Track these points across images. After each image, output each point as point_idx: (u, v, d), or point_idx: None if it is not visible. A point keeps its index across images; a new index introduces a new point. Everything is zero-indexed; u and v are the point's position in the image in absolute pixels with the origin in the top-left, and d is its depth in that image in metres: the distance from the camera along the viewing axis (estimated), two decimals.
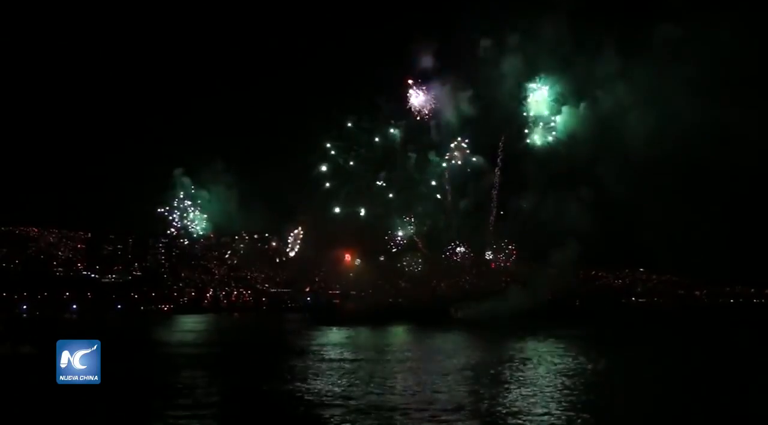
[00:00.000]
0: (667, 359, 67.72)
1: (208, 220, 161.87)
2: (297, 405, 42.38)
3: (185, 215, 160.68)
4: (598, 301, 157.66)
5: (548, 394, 45.34)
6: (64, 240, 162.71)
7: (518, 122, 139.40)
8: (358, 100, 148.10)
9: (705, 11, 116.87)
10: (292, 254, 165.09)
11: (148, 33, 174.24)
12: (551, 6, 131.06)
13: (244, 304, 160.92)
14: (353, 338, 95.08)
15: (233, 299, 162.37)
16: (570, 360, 63.58)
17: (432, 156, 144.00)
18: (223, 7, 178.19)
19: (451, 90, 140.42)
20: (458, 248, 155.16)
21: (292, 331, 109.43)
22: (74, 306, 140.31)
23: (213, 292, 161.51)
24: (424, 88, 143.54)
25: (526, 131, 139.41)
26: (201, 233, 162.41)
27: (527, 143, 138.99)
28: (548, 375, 54.21)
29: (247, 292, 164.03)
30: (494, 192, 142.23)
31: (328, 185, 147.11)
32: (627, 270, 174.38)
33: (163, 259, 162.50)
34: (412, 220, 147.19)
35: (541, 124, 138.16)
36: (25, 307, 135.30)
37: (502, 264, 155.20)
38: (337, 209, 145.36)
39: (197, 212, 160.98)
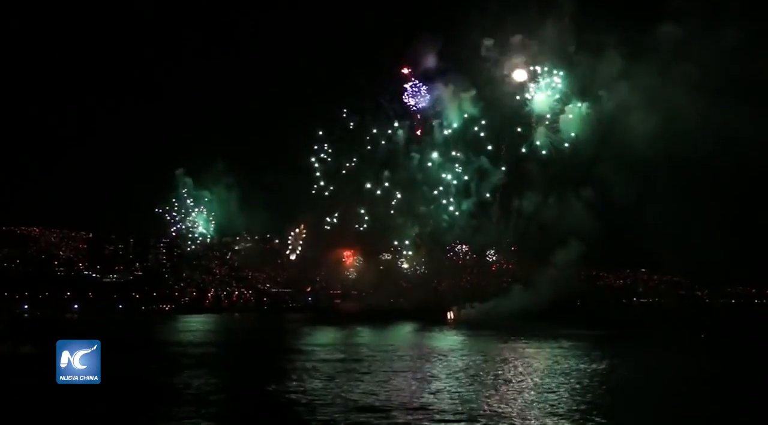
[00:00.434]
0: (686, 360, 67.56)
1: (209, 220, 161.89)
2: (293, 407, 42.32)
3: (186, 215, 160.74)
4: (599, 301, 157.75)
5: (547, 397, 45.26)
6: (65, 240, 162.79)
7: (521, 122, 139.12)
8: (362, 101, 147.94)
9: (707, 10, 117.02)
10: (293, 254, 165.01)
11: (149, 33, 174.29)
12: (555, 5, 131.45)
13: (246, 304, 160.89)
14: (352, 338, 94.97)
15: (234, 299, 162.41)
16: (576, 361, 63.40)
17: (435, 156, 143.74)
18: (225, 6, 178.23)
19: (453, 90, 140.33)
20: (459, 248, 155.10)
21: (292, 331, 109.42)
22: (75, 306, 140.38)
23: (214, 292, 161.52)
24: (421, 84, 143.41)
25: (530, 131, 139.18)
26: (202, 233, 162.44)
27: (530, 144, 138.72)
28: (551, 376, 54.11)
29: (248, 292, 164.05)
30: (497, 193, 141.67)
31: (330, 185, 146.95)
32: (628, 270, 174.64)
33: (164, 259, 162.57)
34: (415, 220, 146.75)
35: (545, 123, 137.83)
36: (26, 307, 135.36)
37: (504, 265, 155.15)
38: (338, 210, 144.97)
39: (198, 213, 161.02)
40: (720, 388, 50.04)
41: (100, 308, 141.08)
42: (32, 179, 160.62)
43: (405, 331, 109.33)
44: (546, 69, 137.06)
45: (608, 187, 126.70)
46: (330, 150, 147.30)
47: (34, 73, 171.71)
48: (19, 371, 56.12)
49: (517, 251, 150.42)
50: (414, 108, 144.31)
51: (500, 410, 40.33)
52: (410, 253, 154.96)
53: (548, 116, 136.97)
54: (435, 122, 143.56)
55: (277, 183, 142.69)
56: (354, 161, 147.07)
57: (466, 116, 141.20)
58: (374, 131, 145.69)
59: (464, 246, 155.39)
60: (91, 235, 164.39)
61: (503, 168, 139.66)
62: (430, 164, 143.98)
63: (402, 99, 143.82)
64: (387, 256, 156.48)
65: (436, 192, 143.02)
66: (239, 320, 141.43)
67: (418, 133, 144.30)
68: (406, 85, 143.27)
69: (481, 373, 55.67)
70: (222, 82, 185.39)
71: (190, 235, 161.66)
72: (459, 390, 47.54)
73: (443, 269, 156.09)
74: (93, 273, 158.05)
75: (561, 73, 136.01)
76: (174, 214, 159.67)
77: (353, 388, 48.31)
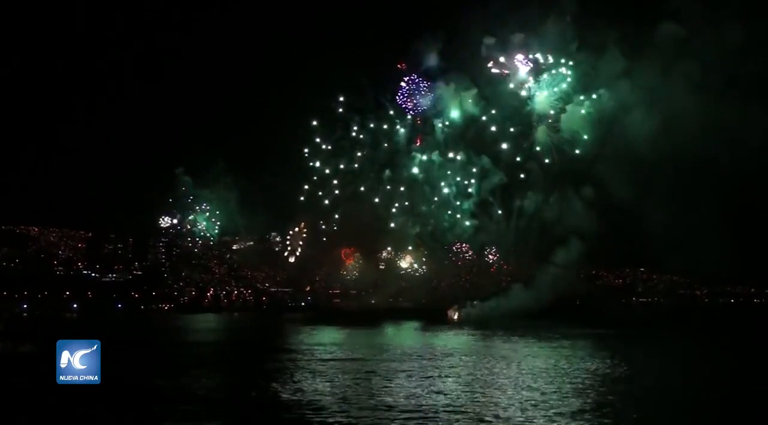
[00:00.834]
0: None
1: (208, 219, 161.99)
2: (289, 407, 42.23)
3: (186, 214, 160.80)
4: (599, 300, 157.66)
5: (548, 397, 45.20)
6: (64, 239, 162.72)
7: (522, 121, 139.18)
8: (363, 100, 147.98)
9: (709, 10, 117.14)
10: (292, 256, 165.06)
11: (149, 32, 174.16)
12: (556, 4, 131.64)
13: (245, 303, 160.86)
14: (351, 338, 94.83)
15: (233, 298, 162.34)
16: (579, 361, 63.30)
17: (435, 156, 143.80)
18: (226, 5, 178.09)
19: (454, 89, 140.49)
20: (459, 248, 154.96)
21: (291, 330, 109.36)
22: (75, 305, 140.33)
23: (213, 291, 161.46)
24: (420, 80, 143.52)
25: (531, 130, 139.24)
26: (202, 232, 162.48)
27: (531, 143, 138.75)
28: (555, 376, 54.01)
29: (247, 291, 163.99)
30: (498, 192, 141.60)
31: (330, 184, 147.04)
32: (628, 270, 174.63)
33: (163, 258, 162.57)
34: (415, 220, 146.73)
35: (546, 122, 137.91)
36: (25, 306, 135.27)
37: (504, 266, 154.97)
38: (338, 209, 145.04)
39: (198, 212, 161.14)
40: (723, 388, 50.02)
41: (99, 307, 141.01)
42: (31, 178, 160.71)
43: (405, 330, 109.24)
44: (547, 68, 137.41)
45: (608, 186, 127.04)
46: (330, 149, 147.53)
47: (34, 73, 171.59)
48: (19, 370, 56.09)
49: (518, 250, 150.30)
50: (414, 108, 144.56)
51: (505, 411, 40.14)
52: (410, 253, 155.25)
53: (550, 114, 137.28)
54: (436, 121, 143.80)
55: (276, 183, 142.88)
56: (355, 161, 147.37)
57: (467, 115, 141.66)
58: (375, 130, 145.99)
59: (464, 246, 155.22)
60: (90, 234, 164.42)
61: (504, 167, 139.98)
62: (431, 162, 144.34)
63: (403, 98, 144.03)
64: (387, 255, 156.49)
65: (436, 193, 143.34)
66: (238, 319, 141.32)
67: (418, 143, 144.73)
68: (403, 84, 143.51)
69: (484, 373, 55.50)
70: (222, 81, 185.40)
71: (189, 234, 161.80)
72: (462, 390, 47.34)
73: (443, 268, 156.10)
74: (92, 273, 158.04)
75: (562, 72, 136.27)
76: (174, 213, 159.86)
77: (355, 389, 48.25)
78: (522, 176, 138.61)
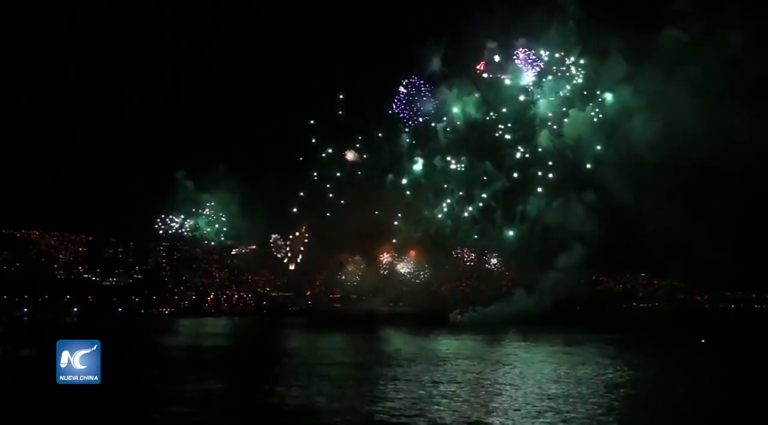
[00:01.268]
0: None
1: (209, 223, 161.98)
2: (295, 412, 42.16)
3: (187, 218, 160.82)
4: (601, 305, 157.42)
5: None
6: (65, 243, 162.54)
7: (525, 125, 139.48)
8: (365, 104, 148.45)
9: (711, 15, 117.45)
10: (292, 263, 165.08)
11: (149, 35, 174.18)
12: (559, 9, 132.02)
13: (245, 308, 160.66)
14: (352, 342, 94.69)
15: (234, 302, 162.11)
16: (584, 367, 63.04)
17: (437, 161, 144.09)
18: (227, 9, 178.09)
19: (457, 93, 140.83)
20: (460, 252, 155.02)
21: (292, 335, 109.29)
22: (75, 309, 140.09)
23: (214, 296, 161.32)
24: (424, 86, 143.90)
25: (533, 134, 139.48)
26: (202, 236, 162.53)
27: (534, 147, 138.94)
28: (561, 382, 53.85)
29: (247, 296, 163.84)
30: (500, 197, 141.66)
31: (332, 189, 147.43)
32: (628, 275, 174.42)
33: (164, 262, 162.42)
34: (417, 224, 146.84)
35: (549, 126, 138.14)
36: (25, 310, 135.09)
37: (505, 272, 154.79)
38: (340, 213, 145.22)
39: (199, 216, 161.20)
40: (728, 393, 49.94)
41: (99, 311, 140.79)
42: (32, 182, 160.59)
43: (406, 335, 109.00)
44: (550, 73, 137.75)
45: (609, 191, 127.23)
46: (332, 153, 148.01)
47: (34, 76, 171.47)
48: (19, 373, 56.07)
49: (519, 255, 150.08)
50: (415, 114, 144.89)
51: (513, 418, 39.95)
52: (411, 257, 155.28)
53: (552, 119, 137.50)
54: (438, 126, 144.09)
55: (278, 187, 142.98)
56: (357, 165, 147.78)
57: (469, 119, 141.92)
58: (378, 134, 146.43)
59: (466, 251, 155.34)
60: (90, 238, 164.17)
61: (506, 172, 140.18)
62: (433, 166, 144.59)
63: (406, 103, 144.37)
64: (387, 260, 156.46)
65: (438, 197, 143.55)
66: (239, 323, 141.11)
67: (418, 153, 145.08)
68: (407, 89, 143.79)
69: (488, 379, 55.22)
70: (223, 84, 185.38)
71: (190, 238, 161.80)
72: (466, 397, 46.96)
73: (444, 273, 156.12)
74: (93, 276, 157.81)
75: (565, 76, 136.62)
76: (174, 217, 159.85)
77: (358, 394, 48.17)
78: (524, 180, 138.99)
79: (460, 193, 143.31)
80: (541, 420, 39.26)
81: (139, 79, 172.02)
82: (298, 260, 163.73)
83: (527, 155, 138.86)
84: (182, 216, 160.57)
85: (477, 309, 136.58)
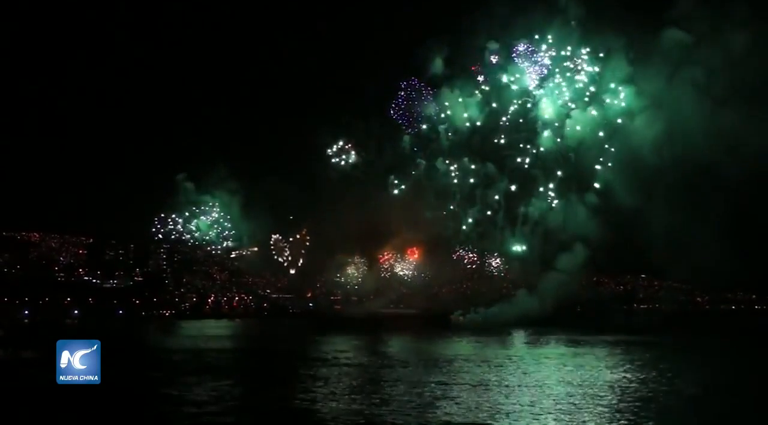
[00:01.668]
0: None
1: (210, 225, 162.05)
2: (281, 415, 42.07)
3: (187, 220, 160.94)
4: (601, 307, 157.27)
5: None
6: (65, 246, 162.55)
7: (527, 127, 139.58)
8: (368, 106, 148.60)
9: (714, 17, 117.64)
10: (294, 264, 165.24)
11: (150, 36, 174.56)
12: (561, 11, 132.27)
13: (246, 310, 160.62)
14: (353, 344, 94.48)
15: (235, 305, 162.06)
16: (590, 369, 62.83)
17: (440, 163, 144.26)
18: (229, 10, 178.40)
19: (459, 95, 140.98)
20: (461, 253, 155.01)
21: (293, 337, 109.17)
22: (76, 312, 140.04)
23: (214, 298, 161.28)
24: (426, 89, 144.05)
25: (536, 136, 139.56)
26: (203, 238, 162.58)
27: (537, 149, 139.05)
28: (570, 385, 53.65)
29: (248, 298, 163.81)
30: (502, 198, 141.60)
31: (334, 190, 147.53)
32: (629, 276, 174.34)
33: (164, 264, 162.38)
34: (419, 226, 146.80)
35: (551, 128, 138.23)
36: (26, 312, 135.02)
37: (505, 275, 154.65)
38: (341, 215, 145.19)
39: (199, 218, 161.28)
40: (737, 396, 49.85)
41: (100, 313, 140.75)
42: (33, 184, 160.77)
43: (408, 337, 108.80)
44: (553, 74, 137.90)
45: (611, 193, 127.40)
46: (334, 155, 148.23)
47: (35, 79, 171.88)
48: (19, 374, 56.03)
49: (521, 257, 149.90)
50: (416, 117, 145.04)
51: (520, 420, 39.76)
52: (412, 259, 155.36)
53: (555, 120, 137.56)
54: (441, 128, 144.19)
55: (279, 189, 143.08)
56: (359, 167, 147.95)
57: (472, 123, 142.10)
58: (380, 135, 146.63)
59: (467, 252, 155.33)
60: (91, 240, 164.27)
61: (509, 174, 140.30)
62: (435, 168, 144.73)
63: (407, 105, 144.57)
64: (389, 262, 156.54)
65: (440, 199, 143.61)
66: (240, 326, 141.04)
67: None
68: (409, 91, 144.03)
69: (492, 381, 54.94)
70: (225, 86, 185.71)
71: (191, 240, 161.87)
72: (471, 399, 46.66)
73: (445, 275, 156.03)
74: (93, 279, 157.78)
75: (567, 77, 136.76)
76: (175, 219, 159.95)
77: (362, 396, 48.09)
78: (526, 182, 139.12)
79: (462, 195, 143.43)
80: (548, 421, 39.16)
81: (140, 82, 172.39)
82: (299, 263, 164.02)
83: (529, 157, 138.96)
84: (183, 218, 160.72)
85: (479, 311, 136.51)
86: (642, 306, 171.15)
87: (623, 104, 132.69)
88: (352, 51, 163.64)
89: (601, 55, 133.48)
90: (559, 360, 69.89)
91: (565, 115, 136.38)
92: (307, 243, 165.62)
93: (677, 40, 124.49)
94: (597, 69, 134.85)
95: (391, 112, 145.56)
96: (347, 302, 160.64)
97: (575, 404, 43.90)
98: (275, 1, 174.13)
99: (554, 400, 45.44)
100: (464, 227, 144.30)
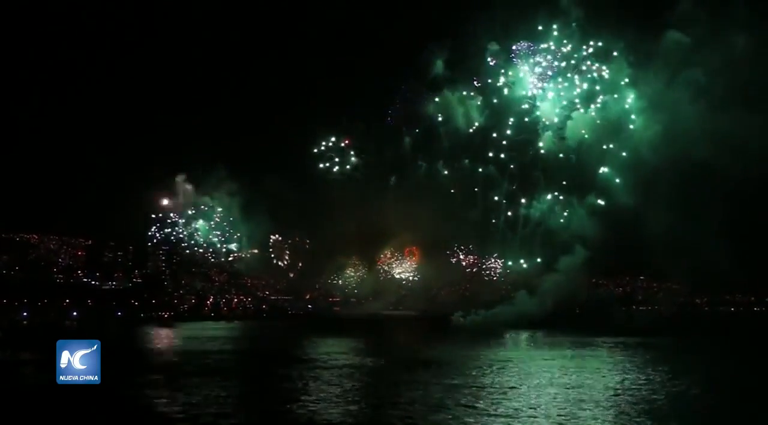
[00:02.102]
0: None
1: (209, 227, 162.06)
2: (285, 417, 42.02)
3: (187, 222, 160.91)
4: (600, 308, 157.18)
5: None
6: (64, 247, 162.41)
7: (528, 128, 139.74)
8: (368, 107, 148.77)
9: (714, 19, 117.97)
10: (293, 261, 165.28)
11: (150, 38, 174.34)
12: (561, 12, 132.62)
13: (245, 311, 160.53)
14: (353, 346, 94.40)
15: (234, 306, 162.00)
16: (594, 372, 62.73)
17: (440, 165, 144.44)
18: (230, 12, 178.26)
19: (460, 97, 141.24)
20: (460, 255, 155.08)
21: (294, 339, 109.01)
22: (74, 313, 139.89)
23: (213, 299, 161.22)
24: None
25: (536, 137, 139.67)
26: (202, 240, 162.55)
27: (536, 150, 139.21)
28: (577, 388, 53.52)
29: (247, 299, 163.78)
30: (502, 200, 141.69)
31: (333, 192, 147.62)
32: (627, 278, 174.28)
33: (163, 266, 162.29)
34: (418, 227, 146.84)
35: (552, 129, 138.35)
36: (25, 314, 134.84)
37: (506, 275, 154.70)
38: (341, 217, 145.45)
39: (198, 219, 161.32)
40: (737, 397, 49.78)
41: (99, 315, 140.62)
42: (31, 185, 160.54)
43: (407, 339, 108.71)
44: (553, 76, 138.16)
45: (611, 194, 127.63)
46: (334, 157, 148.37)
47: (33, 80, 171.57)
48: (18, 376, 55.93)
49: (521, 258, 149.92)
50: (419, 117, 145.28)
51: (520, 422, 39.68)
52: (411, 260, 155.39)
53: (555, 122, 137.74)
54: (441, 130, 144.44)
55: (278, 190, 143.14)
56: (359, 168, 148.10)
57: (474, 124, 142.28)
58: (380, 137, 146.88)
59: (466, 254, 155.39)
60: (90, 242, 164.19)
61: (509, 175, 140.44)
62: (436, 170, 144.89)
63: (408, 107, 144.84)
64: (388, 263, 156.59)
65: (441, 201, 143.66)
66: (238, 327, 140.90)
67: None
68: (409, 93, 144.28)
69: (492, 383, 54.86)
70: (224, 87, 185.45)
71: (189, 242, 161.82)
72: (472, 401, 46.50)
73: (444, 276, 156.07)
74: (92, 280, 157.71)
75: (568, 79, 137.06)
76: (174, 221, 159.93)
77: (362, 398, 48.00)
78: (527, 184, 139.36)
79: (462, 197, 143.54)
80: (548, 424, 39.10)
81: (139, 83, 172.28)
82: (298, 264, 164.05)
83: (530, 159, 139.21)
84: (182, 220, 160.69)
85: (479, 312, 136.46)
86: (641, 308, 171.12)
87: (624, 106, 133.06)
88: (353, 53, 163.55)
89: (602, 56, 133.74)
90: (558, 362, 69.79)
91: (565, 116, 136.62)
92: (307, 245, 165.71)
93: (677, 41, 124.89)
94: (598, 71, 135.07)
95: (392, 114, 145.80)
96: (346, 304, 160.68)
97: (575, 406, 43.82)
98: (276, 2, 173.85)
99: (554, 402, 45.36)
100: (464, 229, 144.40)
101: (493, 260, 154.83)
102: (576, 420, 39.92)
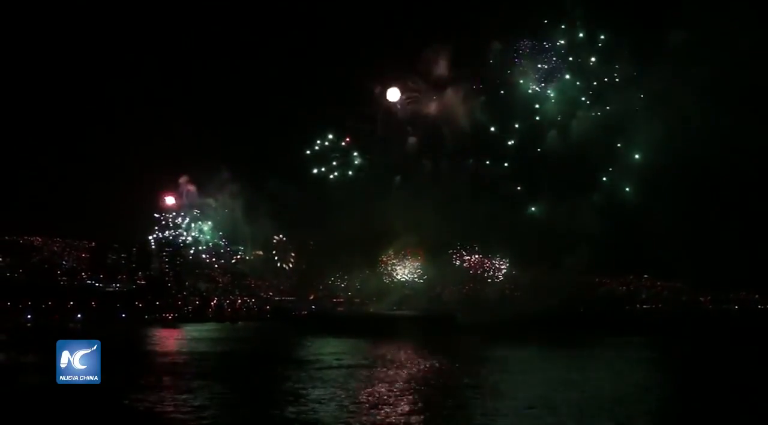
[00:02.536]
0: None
1: (212, 228, 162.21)
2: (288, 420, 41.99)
3: (190, 223, 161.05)
4: (603, 307, 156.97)
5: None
6: (67, 249, 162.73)
7: (532, 127, 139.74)
8: (371, 107, 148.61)
9: (719, 18, 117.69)
10: (296, 262, 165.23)
11: (152, 38, 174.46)
12: (565, 11, 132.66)
13: (248, 313, 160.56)
14: (353, 347, 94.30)
15: (237, 307, 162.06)
16: (596, 371, 62.61)
17: (444, 165, 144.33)
18: (231, 13, 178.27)
19: (463, 96, 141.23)
20: (462, 254, 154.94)
21: (297, 340, 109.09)
22: (78, 315, 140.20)
23: (217, 301, 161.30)
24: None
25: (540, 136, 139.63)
26: (206, 241, 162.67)
27: (540, 149, 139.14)
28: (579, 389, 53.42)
29: (251, 300, 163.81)
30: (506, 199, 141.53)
31: (336, 192, 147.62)
32: (631, 277, 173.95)
33: (167, 268, 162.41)
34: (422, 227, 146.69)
35: (555, 128, 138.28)
36: (29, 316, 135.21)
37: (509, 274, 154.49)
38: (344, 217, 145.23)
39: (202, 221, 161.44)
40: (740, 395, 49.68)
41: (102, 317, 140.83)
42: (34, 188, 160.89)
43: (410, 338, 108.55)
44: (557, 74, 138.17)
45: (613, 192, 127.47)
46: (338, 157, 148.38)
47: (35, 82, 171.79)
48: (19, 378, 56.04)
49: (524, 256, 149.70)
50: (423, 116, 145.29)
51: (519, 421, 39.50)
52: (414, 260, 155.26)
53: (559, 120, 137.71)
54: (446, 129, 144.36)
55: (281, 191, 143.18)
56: (363, 168, 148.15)
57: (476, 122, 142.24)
58: (384, 137, 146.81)
59: (469, 253, 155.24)
60: (93, 244, 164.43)
61: (512, 174, 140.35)
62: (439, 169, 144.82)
63: (412, 106, 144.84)
64: (391, 263, 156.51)
65: (445, 200, 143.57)
66: (243, 328, 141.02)
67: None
68: (413, 92, 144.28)
69: (493, 382, 54.77)
70: (227, 89, 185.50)
71: (193, 244, 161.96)
72: (471, 400, 46.46)
73: (447, 276, 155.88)
74: (95, 282, 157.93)
75: (572, 77, 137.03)
76: (178, 222, 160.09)
77: (361, 398, 47.97)
78: (531, 182, 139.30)
79: (466, 196, 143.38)
80: (550, 422, 39.03)
81: (142, 84, 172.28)
82: (302, 265, 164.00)
83: (534, 157, 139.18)
84: (185, 222, 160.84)
85: (483, 312, 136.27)
86: (645, 306, 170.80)
87: (629, 105, 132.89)
88: (356, 53, 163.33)
89: (606, 54, 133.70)
90: (562, 361, 69.72)
91: (570, 115, 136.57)
92: (310, 246, 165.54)
93: (682, 40, 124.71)
94: (602, 68, 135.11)
95: (396, 112, 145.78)
96: (350, 304, 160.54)
97: (578, 405, 43.76)
98: (278, 3, 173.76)
99: (557, 401, 45.28)
100: (468, 229, 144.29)
101: (497, 260, 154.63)
102: (574, 417, 39.84)
